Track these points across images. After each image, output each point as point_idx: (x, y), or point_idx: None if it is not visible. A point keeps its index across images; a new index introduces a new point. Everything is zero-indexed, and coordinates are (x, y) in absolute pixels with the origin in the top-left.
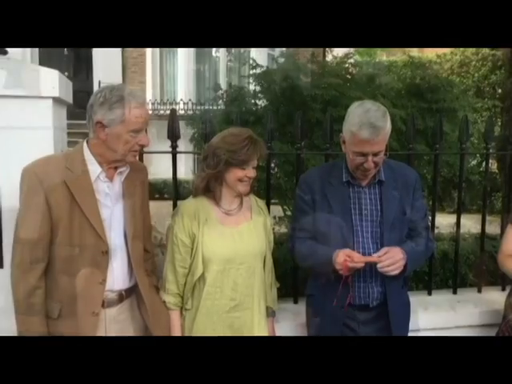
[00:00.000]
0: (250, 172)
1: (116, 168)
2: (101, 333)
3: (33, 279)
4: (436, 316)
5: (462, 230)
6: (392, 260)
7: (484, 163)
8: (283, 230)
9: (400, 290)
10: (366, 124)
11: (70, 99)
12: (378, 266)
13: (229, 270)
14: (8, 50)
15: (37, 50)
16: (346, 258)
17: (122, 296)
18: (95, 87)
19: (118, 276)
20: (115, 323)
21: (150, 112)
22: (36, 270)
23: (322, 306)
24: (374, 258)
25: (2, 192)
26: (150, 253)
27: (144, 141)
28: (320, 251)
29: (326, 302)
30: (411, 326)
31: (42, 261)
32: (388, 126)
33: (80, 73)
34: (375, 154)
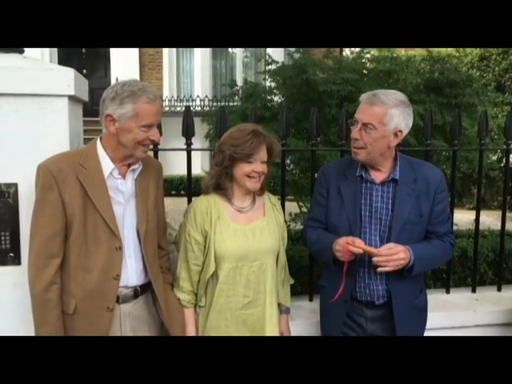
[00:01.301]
0: (258, 167)
1: (129, 165)
2: (116, 328)
3: (48, 275)
4: (454, 315)
5: (481, 227)
6: (388, 257)
7: (504, 159)
8: (299, 226)
9: (413, 291)
10: (371, 92)
11: (85, 97)
12: (373, 259)
13: (241, 267)
14: (24, 48)
15: (55, 48)
16: (347, 241)
17: (137, 292)
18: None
19: (132, 272)
20: (130, 319)
21: (167, 108)
22: (52, 265)
23: (329, 297)
24: (373, 249)
25: (20, 189)
26: (165, 250)
27: (155, 136)
28: (326, 238)
29: (333, 293)
30: (430, 324)
31: (57, 256)
32: (392, 110)
33: (98, 70)
34: (364, 126)
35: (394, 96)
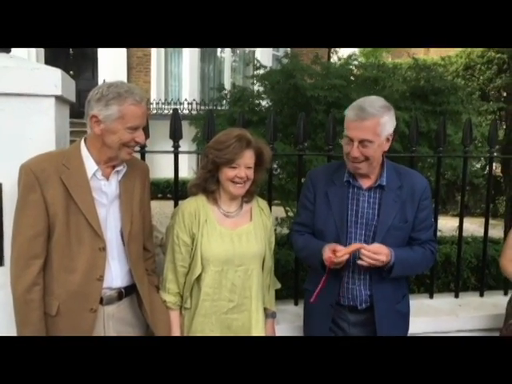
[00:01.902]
0: (242, 172)
1: (113, 167)
2: (99, 330)
3: (31, 275)
4: (437, 320)
5: (464, 234)
6: (371, 255)
7: (488, 167)
8: (285, 231)
9: (395, 297)
10: (356, 106)
11: (72, 98)
12: (362, 251)
13: (227, 271)
14: (13, 49)
15: (42, 49)
16: (330, 255)
17: (122, 294)
18: None
19: (116, 273)
20: (114, 320)
21: (155, 111)
22: (34, 266)
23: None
24: (357, 246)
25: (4, 190)
26: (150, 252)
27: (140, 138)
28: (312, 244)
29: (318, 297)
30: (413, 329)
31: (39, 257)
32: (383, 119)
33: (85, 72)
34: (362, 143)
35: (379, 103)
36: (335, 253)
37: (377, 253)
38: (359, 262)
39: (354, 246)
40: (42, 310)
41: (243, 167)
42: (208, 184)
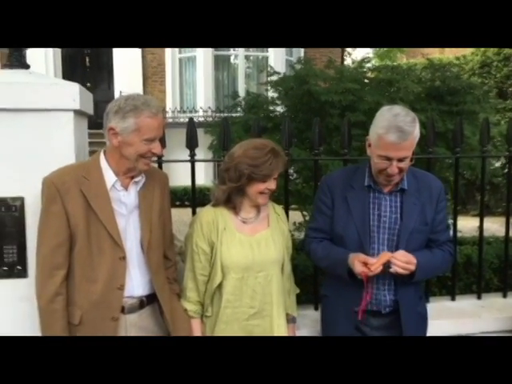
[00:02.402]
0: (272, 184)
1: (132, 177)
2: None
3: (54, 286)
4: (460, 322)
5: (485, 234)
6: (404, 264)
7: (507, 165)
8: (303, 235)
9: (415, 300)
10: (394, 128)
11: (90, 111)
12: (392, 260)
13: (247, 278)
14: (30, 63)
15: (60, 61)
16: (363, 270)
17: (143, 302)
18: (116, 97)
19: (137, 282)
20: (136, 329)
21: (170, 120)
22: (57, 276)
23: (335, 307)
24: (388, 254)
25: (26, 203)
26: (171, 260)
27: (157, 149)
28: (334, 253)
29: (339, 304)
30: (435, 332)
31: (62, 267)
32: (416, 132)
33: (102, 83)
34: (400, 160)
35: (410, 118)
36: (367, 265)
37: (408, 263)
38: (392, 270)
39: (384, 257)
40: (65, 319)
41: (272, 179)
42: (233, 196)
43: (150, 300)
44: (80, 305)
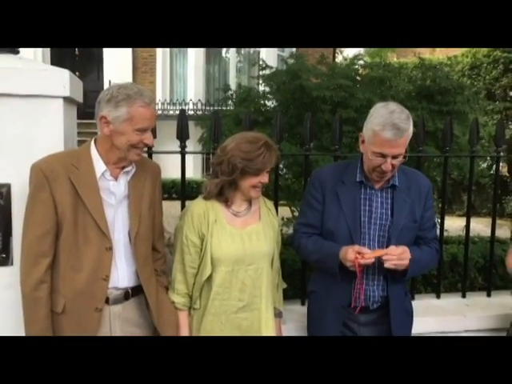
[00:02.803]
0: (264, 178)
1: (123, 167)
2: (105, 329)
3: (38, 273)
4: (445, 320)
5: (471, 234)
6: (398, 257)
7: (494, 166)
8: (291, 231)
9: (402, 296)
10: (390, 124)
11: (80, 99)
12: (385, 257)
13: (237, 270)
14: (19, 49)
15: (48, 49)
16: (356, 256)
17: (128, 294)
18: (105, 87)
19: (123, 273)
20: (120, 320)
21: (160, 112)
22: (42, 264)
23: (323, 303)
24: (381, 251)
25: (13, 190)
26: (160, 253)
27: (149, 140)
28: (326, 246)
29: (327, 300)
30: (420, 329)
31: (47, 255)
32: (411, 129)
33: (91, 73)
34: (394, 157)
35: (404, 115)
36: (361, 255)
37: (402, 253)
38: (386, 264)
39: (379, 252)
40: (48, 307)
41: (265, 172)
42: (226, 190)
43: (136, 292)
44: (64, 293)
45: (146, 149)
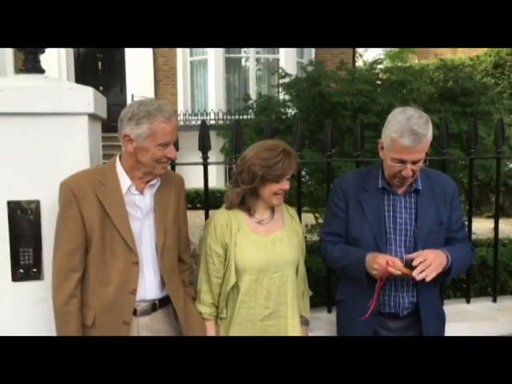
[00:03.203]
0: (285, 184)
1: (148, 181)
2: None
3: (69, 288)
4: (476, 325)
5: (500, 236)
6: (425, 270)
7: None
8: (315, 238)
9: (435, 300)
10: (408, 131)
11: (104, 114)
12: (417, 278)
13: (262, 278)
14: (44, 68)
15: (72, 66)
16: (388, 262)
17: (156, 305)
18: (128, 100)
19: (150, 286)
20: (148, 332)
21: (182, 123)
22: (72, 279)
23: (352, 312)
24: (409, 271)
25: (42, 206)
26: (187, 264)
27: (172, 154)
28: (351, 253)
29: (356, 308)
30: (451, 334)
31: (77, 270)
32: (430, 134)
33: (114, 87)
34: (414, 162)
35: (423, 120)
36: (393, 263)
37: (426, 265)
38: (428, 279)
39: (408, 271)
40: (79, 321)
41: (286, 179)
42: (247, 198)
43: (164, 303)
44: (93, 307)
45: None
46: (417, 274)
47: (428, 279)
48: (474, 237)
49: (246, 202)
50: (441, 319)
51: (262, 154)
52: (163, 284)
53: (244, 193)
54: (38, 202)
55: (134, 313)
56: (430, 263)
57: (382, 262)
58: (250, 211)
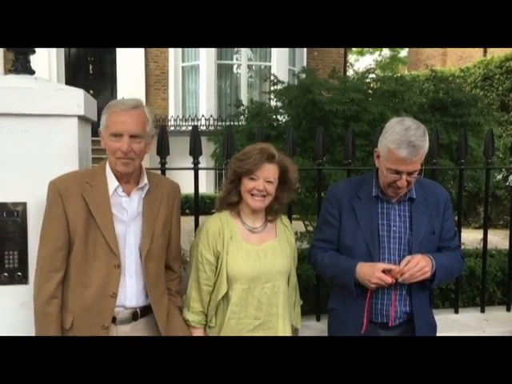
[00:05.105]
0: (260, 184)
1: (137, 183)
2: None
3: (50, 288)
4: (463, 335)
5: (488, 247)
6: (411, 272)
7: (510, 177)
8: (305, 245)
9: (427, 310)
10: (405, 142)
11: (94, 117)
12: (399, 279)
13: (253, 288)
14: (35, 69)
15: (63, 68)
16: (386, 276)
17: (137, 314)
18: None
19: (131, 292)
20: None
21: (172, 128)
22: (54, 279)
23: (343, 321)
24: (395, 267)
25: (29, 208)
26: (176, 273)
27: (122, 147)
28: (342, 262)
29: (347, 316)
30: None
31: (59, 270)
32: (426, 145)
33: (105, 90)
34: (410, 173)
35: (420, 131)
36: (391, 271)
37: (412, 266)
38: (408, 281)
39: (394, 267)
40: (58, 323)
41: (262, 180)
42: (231, 196)
43: (146, 312)
44: (72, 310)
45: (159, 165)
46: (402, 280)
47: (413, 280)
48: (462, 247)
49: (229, 201)
50: (432, 328)
51: (244, 149)
52: (146, 291)
53: (227, 190)
54: (24, 204)
55: (114, 321)
56: (417, 262)
57: (379, 275)
58: (236, 212)
